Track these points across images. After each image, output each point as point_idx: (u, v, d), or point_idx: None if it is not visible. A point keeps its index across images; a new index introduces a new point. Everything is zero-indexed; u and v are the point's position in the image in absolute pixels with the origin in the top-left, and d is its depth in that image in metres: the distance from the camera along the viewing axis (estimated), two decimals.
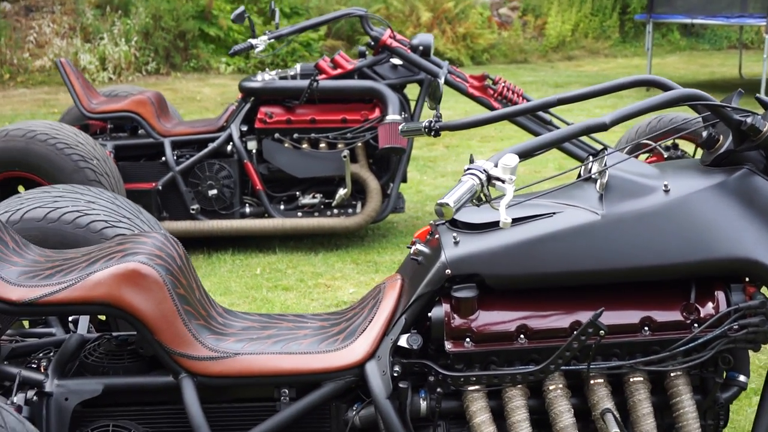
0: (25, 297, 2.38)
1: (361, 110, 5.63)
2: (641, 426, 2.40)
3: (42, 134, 4.93)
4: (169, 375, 2.47)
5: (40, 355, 2.65)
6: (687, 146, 5.69)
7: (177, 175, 5.64)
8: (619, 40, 18.14)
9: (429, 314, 2.44)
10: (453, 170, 7.87)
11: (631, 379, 2.42)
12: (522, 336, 2.40)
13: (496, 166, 2.20)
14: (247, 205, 5.73)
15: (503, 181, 2.18)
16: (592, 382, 2.42)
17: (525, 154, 2.30)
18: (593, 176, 2.54)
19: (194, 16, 14.54)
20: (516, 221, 2.43)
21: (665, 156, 5.45)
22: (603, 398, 2.40)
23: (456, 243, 2.44)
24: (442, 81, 5.56)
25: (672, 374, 2.42)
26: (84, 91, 5.82)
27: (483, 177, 2.17)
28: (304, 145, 5.65)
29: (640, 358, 2.40)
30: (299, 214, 5.66)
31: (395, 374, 2.46)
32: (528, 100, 5.63)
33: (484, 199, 2.18)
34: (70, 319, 2.89)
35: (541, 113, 5.58)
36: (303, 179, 5.68)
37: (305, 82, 5.57)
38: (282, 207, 5.72)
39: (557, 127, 5.49)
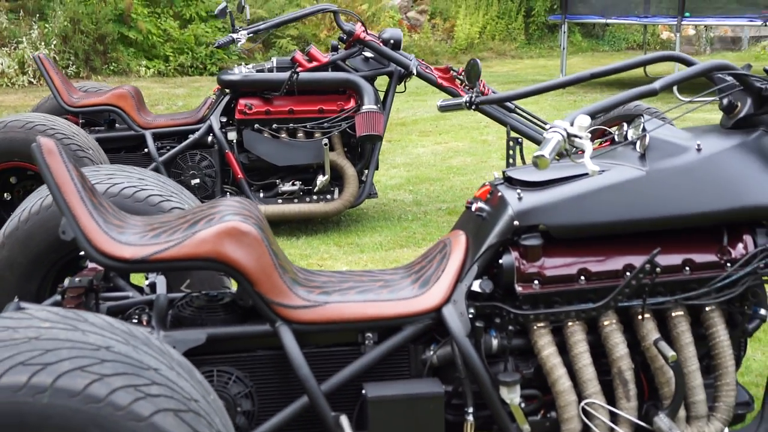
0: (137, 255, 2.60)
1: (336, 101, 5.91)
2: (684, 354, 2.77)
3: (40, 125, 5.08)
4: (266, 323, 2.72)
5: (136, 312, 2.87)
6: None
7: (160, 166, 5.83)
8: (525, 42, 18.76)
9: (499, 261, 2.76)
10: (403, 162, 8.20)
11: (674, 314, 2.79)
12: (582, 278, 2.74)
13: (572, 125, 2.53)
14: (228, 193, 5.96)
15: (580, 138, 2.51)
16: (640, 317, 2.77)
17: (593, 115, 2.64)
18: (632, 139, 2.89)
19: (113, 19, 14.55)
20: (572, 178, 2.77)
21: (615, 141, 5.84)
22: (652, 330, 2.76)
23: (520, 198, 2.77)
24: (415, 72, 5.90)
25: (708, 308, 2.79)
26: (64, 86, 5.97)
27: (564, 134, 2.50)
28: (283, 135, 5.90)
29: (681, 294, 2.76)
30: (279, 201, 5.91)
31: (470, 316, 2.77)
32: (493, 91, 5.98)
33: (565, 153, 2.51)
34: (146, 282, 3.10)
35: (506, 104, 5.93)
36: (282, 167, 5.93)
37: (284, 75, 5.83)
38: (261, 195, 5.96)
39: (522, 116, 5.87)
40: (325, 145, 5.80)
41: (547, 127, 2.55)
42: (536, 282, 2.74)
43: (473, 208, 2.93)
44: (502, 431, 2.77)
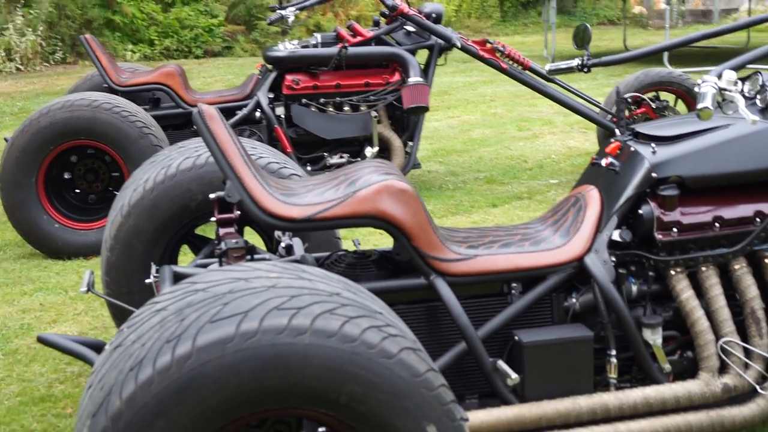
0: (304, 214, 2.71)
1: (382, 74, 6.05)
2: None
3: (106, 103, 5.16)
4: (420, 277, 2.85)
5: None
6: (668, 96, 6.30)
7: None
8: (500, 19, 18.89)
9: (639, 211, 2.92)
10: (423, 135, 8.27)
11: None
12: (716, 224, 2.92)
13: (719, 79, 2.70)
14: None
15: (730, 91, 2.68)
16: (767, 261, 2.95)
17: (736, 69, 2.80)
18: (749, 94, 3.05)
19: (99, 4, 14.51)
20: (701, 132, 2.95)
21: (653, 107, 6.04)
22: None
23: (654, 152, 2.94)
24: (459, 45, 6.03)
25: None
26: (111, 66, 6.04)
27: (716, 88, 2.67)
28: (330, 109, 6.02)
29: None
30: None
31: (612, 264, 2.93)
32: (527, 59, 6.11)
33: (718, 104, 2.67)
34: (282, 245, 3.21)
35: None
36: (330, 141, 6.05)
37: (330, 50, 5.95)
38: (309, 168, 6.08)
39: (559, 85, 6.02)
40: (375, 117, 5.93)
41: (698, 82, 2.72)
42: (675, 230, 2.91)
43: (603, 164, 3.09)
44: (644, 371, 2.94)
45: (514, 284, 2.94)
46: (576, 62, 3.22)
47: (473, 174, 6.83)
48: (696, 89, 2.73)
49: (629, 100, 3.98)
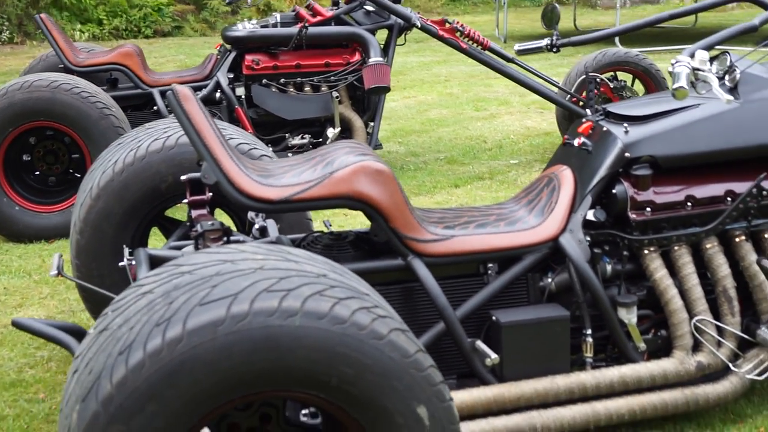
0: (281, 195, 2.70)
1: (342, 54, 6.03)
2: None
3: (65, 84, 5.08)
4: (398, 258, 2.86)
5: None
6: (625, 76, 6.34)
7: None
8: None
9: (612, 191, 2.95)
10: None
11: (766, 236, 3.02)
12: (689, 204, 2.96)
13: (692, 59, 2.73)
14: None
15: (703, 71, 2.71)
16: (738, 240, 2.99)
17: (707, 48, 2.84)
18: (718, 74, 3.09)
19: None
20: (672, 111, 2.98)
21: (611, 86, 6.09)
22: (750, 251, 3.00)
23: (627, 132, 2.97)
24: (418, 25, 6.03)
25: None
26: (67, 46, 5.94)
27: (689, 67, 2.70)
28: (291, 89, 5.99)
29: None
30: (289, 154, 6.00)
31: (587, 243, 2.95)
32: (486, 39, 6.11)
33: (692, 82, 2.70)
34: (256, 226, 3.20)
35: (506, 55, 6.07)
36: (291, 121, 6.02)
37: (290, 30, 5.91)
38: (271, 149, 6.02)
39: (519, 64, 6.03)
40: (337, 98, 5.91)
41: (672, 62, 2.75)
42: (648, 209, 2.94)
43: (576, 143, 3.11)
44: (620, 350, 2.98)
45: (490, 264, 2.96)
46: (545, 42, 3.25)
47: (433, 154, 6.84)
48: (669, 69, 2.76)
49: (598, 80, 4.00)
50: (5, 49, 13.39)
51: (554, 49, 3.27)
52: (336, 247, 2.97)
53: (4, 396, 3.35)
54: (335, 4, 6.25)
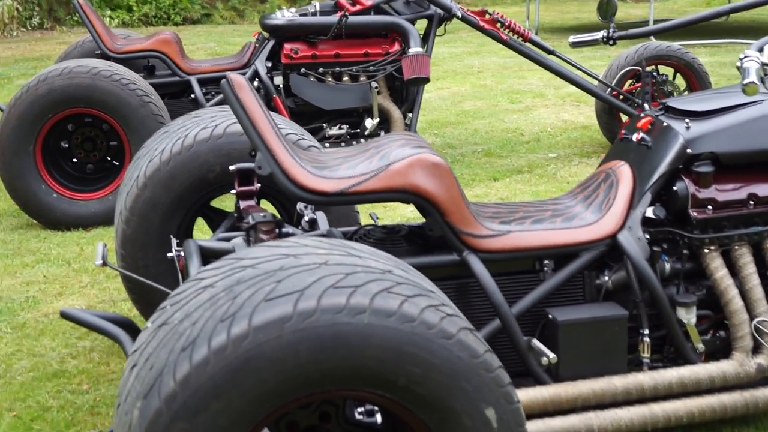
0: (337, 188, 2.65)
1: (381, 44, 5.96)
2: None
3: (105, 71, 5.04)
4: (453, 253, 2.80)
5: None
6: (666, 70, 6.25)
7: None
8: None
9: (673, 188, 2.88)
10: None
11: None
12: (751, 202, 2.88)
13: (760, 51, 2.66)
14: None
15: None
16: None
17: None
18: None
19: None
20: (736, 107, 2.90)
21: (655, 81, 5.99)
22: None
23: (688, 127, 2.89)
24: (459, 15, 5.96)
25: None
26: (105, 32, 5.90)
27: (759, 62, 2.62)
28: (329, 79, 5.93)
29: None
30: (326, 144, 5.94)
31: (646, 241, 2.88)
32: (527, 31, 6.04)
33: (762, 77, 2.63)
34: (306, 219, 3.14)
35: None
36: (329, 111, 5.96)
37: (331, 18, 5.85)
38: None
39: (560, 57, 5.95)
40: (376, 88, 5.85)
41: (741, 57, 2.68)
42: (709, 207, 2.87)
43: (634, 138, 3.04)
44: (678, 350, 2.91)
45: (546, 261, 2.90)
46: (601, 34, 3.18)
47: (470, 147, 6.77)
48: (738, 64, 2.68)
49: (651, 74, 3.93)
50: (35, 34, 13.40)
51: (610, 42, 3.20)
52: (389, 241, 2.91)
53: (48, 387, 3.31)
54: None
